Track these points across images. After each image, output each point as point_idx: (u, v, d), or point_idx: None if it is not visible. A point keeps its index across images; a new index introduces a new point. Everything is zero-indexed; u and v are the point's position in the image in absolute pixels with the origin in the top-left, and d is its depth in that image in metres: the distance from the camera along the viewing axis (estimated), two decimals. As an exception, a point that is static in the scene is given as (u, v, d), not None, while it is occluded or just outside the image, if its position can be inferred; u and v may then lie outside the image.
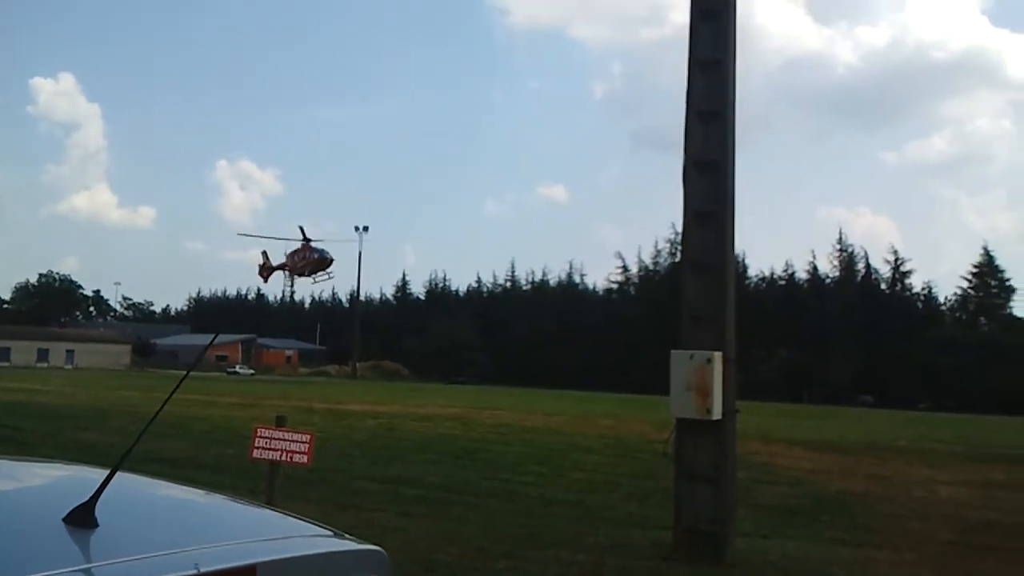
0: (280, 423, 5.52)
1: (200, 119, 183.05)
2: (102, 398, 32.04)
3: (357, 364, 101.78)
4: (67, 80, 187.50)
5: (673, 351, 8.51)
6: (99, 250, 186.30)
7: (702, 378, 8.26)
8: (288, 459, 5.44)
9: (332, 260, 67.19)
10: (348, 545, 2.25)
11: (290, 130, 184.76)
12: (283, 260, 73.29)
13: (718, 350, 8.40)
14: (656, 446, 12.26)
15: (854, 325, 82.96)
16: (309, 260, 66.63)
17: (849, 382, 78.23)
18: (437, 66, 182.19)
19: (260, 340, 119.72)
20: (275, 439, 5.45)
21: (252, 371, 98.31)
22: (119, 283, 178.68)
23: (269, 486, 5.50)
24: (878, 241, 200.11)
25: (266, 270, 75.29)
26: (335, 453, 17.27)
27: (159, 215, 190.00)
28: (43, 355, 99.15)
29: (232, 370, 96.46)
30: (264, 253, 74.73)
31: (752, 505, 12.63)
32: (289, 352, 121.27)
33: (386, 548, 7.74)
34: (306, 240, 69.76)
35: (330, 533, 2.27)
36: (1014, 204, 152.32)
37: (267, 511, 2.73)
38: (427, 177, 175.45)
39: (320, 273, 69.59)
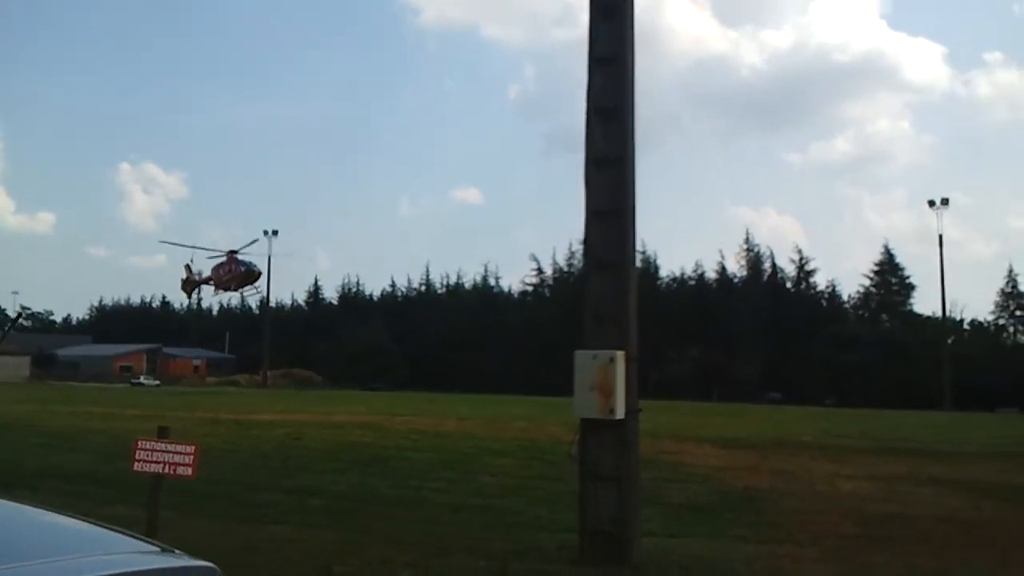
0: (163, 434, 5.23)
1: (101, 120, 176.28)
2: (-3, 413, 30.56)
3: (268, 372, 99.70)
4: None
5: (576, 351, 8.44)
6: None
7: (605, 378, 8.20)
8: (171, 471, 5.16)
9: (260, 273, 63.46)
10: (177, 561, 2.06)
11: (195, 132, 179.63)
12: (207, 274, 69.74)
13: (621, 349, 8.35)
14: (568, 448, 12.19)
15: (761, 323, 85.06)
16: (236, 274, 62.59)
17: (757, 379, 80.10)
18: (348, 65, 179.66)
19: (166, 349, 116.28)
20: (157, 451, 5.15)
21: (158, 382, 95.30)
22: (17, 292, 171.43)
23: (152, 500, 5.19)
24: (783, 241, 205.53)
25: (189, 284, 71.16)
26: (239, 465, 16.77)
27: (59, 220, 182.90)
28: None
29: (137, 381, 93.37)
30: (187, 266, 71.31)
31: (660, 504, 12.68)
32: (196, 361, 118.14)
33: (285, 560, 7.42)
34: (231, 252, 65.81)
35: (158, 549, 2.07)
36: (913, 203, 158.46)
37: (96, 528, 2.52)
38: (339, 180, 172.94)
39: (248, 287, 65.97)
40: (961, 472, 17.58)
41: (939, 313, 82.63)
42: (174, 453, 5.17)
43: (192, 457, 5.21)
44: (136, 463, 5.18)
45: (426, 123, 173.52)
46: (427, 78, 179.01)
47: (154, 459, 5.18)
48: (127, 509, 10.90)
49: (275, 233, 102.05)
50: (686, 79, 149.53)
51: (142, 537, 2.12)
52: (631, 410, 8.48)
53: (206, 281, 66.64)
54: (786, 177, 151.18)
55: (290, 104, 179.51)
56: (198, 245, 70.61)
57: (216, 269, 65.10)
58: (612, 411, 8.20)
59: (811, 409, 55.83)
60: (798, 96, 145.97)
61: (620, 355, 8.30)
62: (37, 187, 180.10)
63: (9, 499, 9.99)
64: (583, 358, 8.36)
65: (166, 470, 5.18)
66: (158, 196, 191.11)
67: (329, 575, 7.22)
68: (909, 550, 9.83)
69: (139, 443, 5.21)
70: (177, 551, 2.05)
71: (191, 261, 71.54)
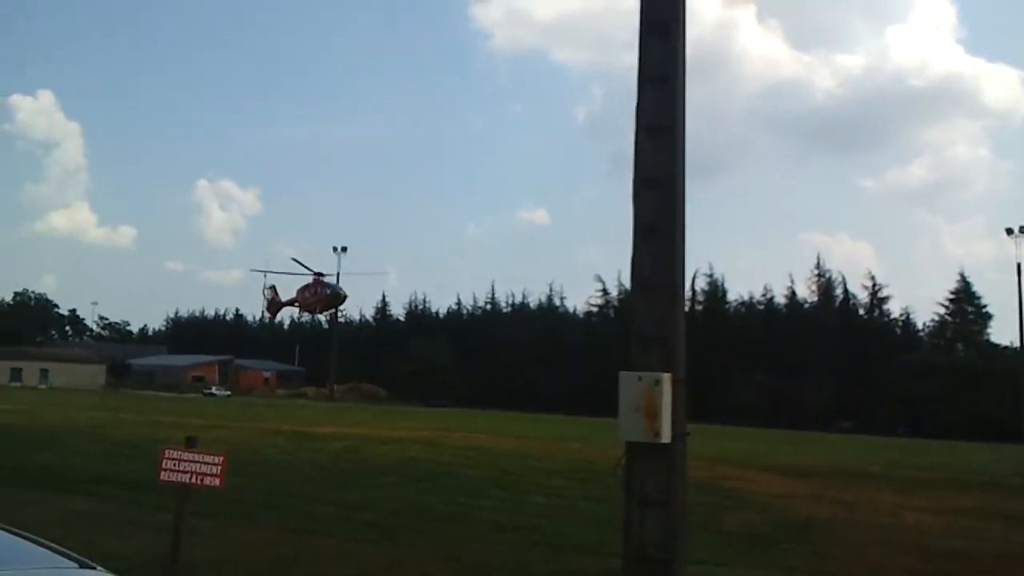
0: (191, 444, 5.24)
1: (181, 138, 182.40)
2: (68, 419, 31.48)
3: (335, 386, 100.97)
4: (46, 97, 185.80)
5: (621, 373, 8.25)
6: (77, 269, 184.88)
7: (650, 400, 8.00)
8: (199, 481, 5.16)
9: (345, 297, 62.74)
10: None
11: (272, 149, 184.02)
12: (292, 295, 69.10)
13: (668, 371, 8.16)
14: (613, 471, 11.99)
15: (832, 350, 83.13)
16: (321, 297, 62.04)
17: (827, 407, 78.22)
18: (420, 88, 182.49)
19: (238, 361, 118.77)
20: (184, 461, 5.16)
21: (229, 392, 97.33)
22: (96, 302, 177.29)
23: (177, 510, 5.21)
24: (856, 267, 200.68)
25: (275, 306, 71.12)
26: (294, 476, 16.98)
27: (139, 234, 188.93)
28: (16, 375, 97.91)
29: (209, 391, 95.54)
30: (273, 287, 71.59)
31: (713, 532, 12.38)
32: (267, 373, 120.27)
33: (324, 575, 7.37)
34: (317, 275, 65.31)
35: (75, 565, 2.00)
36: (991, 231, 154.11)
37: (18, 540, 2.46)
38: (409, 199, 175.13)
39: (334, 311, 65.47)
40: (1034, 508, 16.84)
41: (1017, 343, 79.76)
42: (201, 463, 5.18)
43: (220, 468, 5.21)
44: (163, 472, 5.19)
45: (495, 145, 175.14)
46: (497, 100, 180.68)
47: (181, 468, 5.18)
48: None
49: (344, 250, 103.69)
50: (758, 104, 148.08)
51: (65, 552, 2.06)
52: (678, 434, 8.26)
53: (291, 303, 66.37)
54: (860, 203, 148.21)
55: (363, 124, 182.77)
56: (286, 270, 70.37)
57: (302, 291, 64.76)
58: (657, 434, 7.98)
59: (882, 439, 54.27)
60: (873, 120, 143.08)
61: (667, 377, 8.09)
62: (119, 202, 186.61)
63: (64, 503, 10.16)
64: (628, 380, 8.18)
65: (193, 480, 5.18)
66: (234, 212, 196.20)
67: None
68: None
69: (166, 452, 5.22)
70: (99, 568, 1.99)
71: (264, 281, 71.86)
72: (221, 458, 5.26)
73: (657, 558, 8.03)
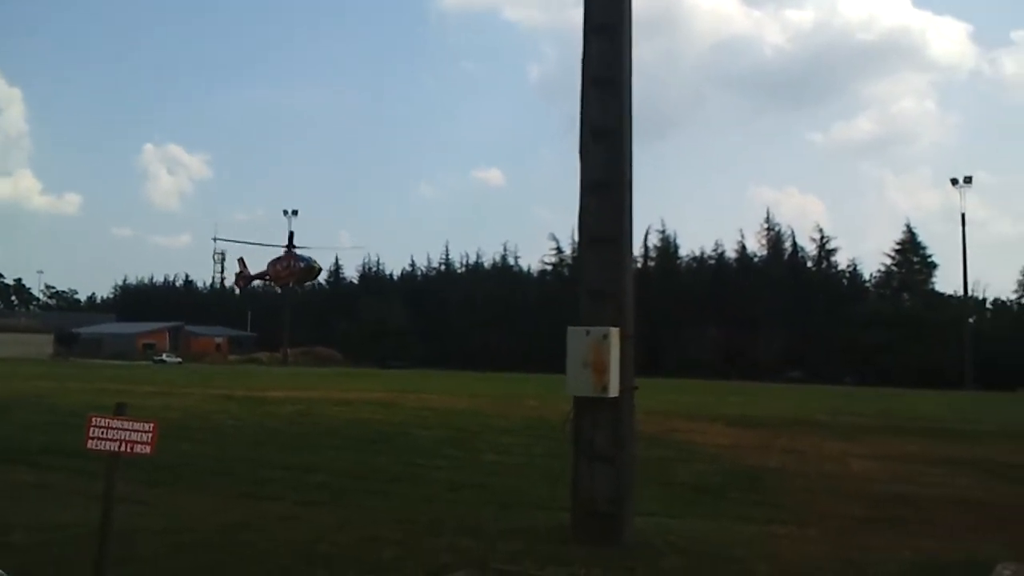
0: (120, 411, 5.06)
1: (126, 102, 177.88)
2: (13, 389, 30.73)
3: (288, 350, 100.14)
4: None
5: (569, 328, 8.23)
6: (22, 237, 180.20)
7: (598, 355, 7.99)
8: (128, 449, 4.99)
9: (320, 269, 59.67)
10: None
11: (218, 113, 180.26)
12: (263, 268, 65.97)
13: (616, 326, 8.14)
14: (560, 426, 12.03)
15: (781, 302, 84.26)
16: (295, 270, 59.30)
17: (777, 359, 79.54)
18: (368, 47, 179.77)
19: (188, 327, 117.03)
20: (112, 428, 4.98)
21: (180, 359, 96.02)
22: (42, 271, 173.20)
23: (107, 479, 5.05)
24: (805, 220, 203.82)
25: (243, 279, 68.68)
26: (245, 441, 16.81)
27: (84, 201, 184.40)
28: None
29: (159, 358, 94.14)
30: (241, 260, 69.16)
31: (664, 483, 12.51)
32: (218, 339, 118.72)
33: (273, 539, 7.24)
34: (290, 247, 62.14)
35: None
36: (937, 182, 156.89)
37: None
38: (361, 161, 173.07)
39: (307, 283, 62.32)
40: (976, 452, 17.28)
41: (961, 292, 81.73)
42: (131, 431, 5.00)
43: (151, 435, 5.03)
44: (90, 441, 5.00)
45: (447, 105, 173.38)
46: (448, 59, 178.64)
47: (109, 436, 5.01)
48: (124, 485, 10.84)
49: (295, 213, 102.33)
50: (709, 60, 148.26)
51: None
52: (626, 388, 8.27)
53: (261, 276, 63.72)
54: (809, 157, 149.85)
55: (311, 86, 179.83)
56: (256, 242, 68.05)
57: (273, 263, 62.10)
58: (605, 389, 7.99)
59: (829, 388, 55.39)
60: (821, 75, 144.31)
61: (615, 332, 8.08)
62: (63, 169, 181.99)
63: (8, 474, 9.91)
64: (576, 335, 8.16)
65: (122, 448, 5.00)
66: (182, 177, 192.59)
67: (311, 554, 7.09)
68: (915, 532, 9.62)
69: (92, 419, 5.03)
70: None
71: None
72: (151, 424, 5.09)
73: (606, 511, 8.07)
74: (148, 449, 5.04)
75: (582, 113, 8.53)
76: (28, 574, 6.33)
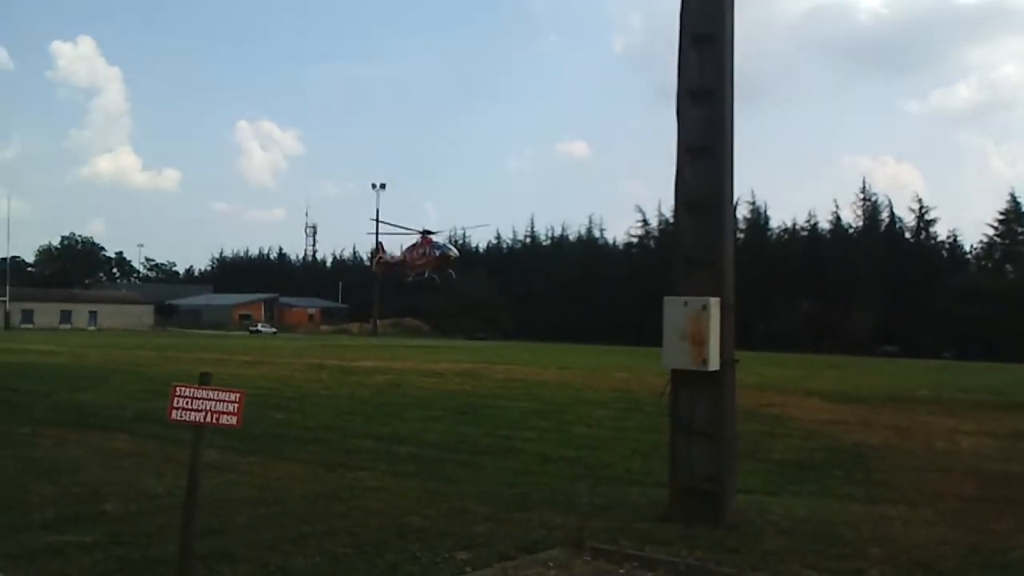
0: (204, 381, 4.93)
1: (220, 80, 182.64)
2: (112, 358, 31.85)
3: (378, 322, 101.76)
4: (86, 43, 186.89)
5: (666, 298, 7.87)
6: (123, 212, 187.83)
7: (697, 326, 7.61)
8: (214, 420, 4.85)
9: (456, 257, 57.30)
10: None
11: (309, 89, 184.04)
12: (400, 254, 64.67)
13: (715, 296, 7.74)
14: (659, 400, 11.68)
15: (877, 275, 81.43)
16: (430, 258, 56.91)
17: (872, 332, 77.02)
18: (456, 23, 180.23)
19: (282, 299, 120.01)
20: (198, 399, 4.86)
21: (275, 329, 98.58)
22: (142, 244, 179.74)
23: (194, 451, 4.94)
24: (902, 190, 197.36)
25: (381, 265, 67.29)
26: (335, 411, 16.91)
27: (183, 177, 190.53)
28: (66, 317, 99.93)
29: (255, 329, 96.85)
30: (380, 244, 68.92)
31: (762, 460, 12.07)
32: (311, 310, 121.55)
33: (362, 510, 7.07)
34: (425, 233, 60.19)
35: None
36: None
37: None
38: (447, 134, 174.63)
39: (444, 272, 59.56)
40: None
41: (1067, 263, 77.65)
42: (217, 400, 4.87)
43: (237, 405, 4.89)
44: (173, 411, 4.88)
45: (533, 77, 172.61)
46: (534, 32, 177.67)
47: (194, 407, 4.88)
48: (216, 453, 10.98)
49: (383, 187, 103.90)
50: (801, 25, 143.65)
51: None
52: (727, 361, 7.88)
53: (400, 262, 61.93)
54: (906, 125, 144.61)
55: (400, 61, 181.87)
56: (400, 228, 66.88)
57: (410, 251, 60.43)
58: (705, 362, 7.62)
59: (928, 362, 53.38)
60: (918, 41, 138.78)
61: (714, 302, 7.69)
62: (162, 145, 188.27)
63: (105, 441, 10.06)
64: (673, 305, 7.79)
65: (208, 419, 4.87)
66: (275, 152, 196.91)
67: (403, 526, 6.95)
68: (1035, 515, 8.99)
69: (176, 390, 4.91)
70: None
71: (379, 242, 66.89)
72: (239, 395, 4.95)
73: (706, 489, 7.72)
74: (235, 420, 4.90)
75: (680, 71, 8.09)
76: (119, 543, 6.35)
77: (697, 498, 7.69)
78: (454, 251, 56.47)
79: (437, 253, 58.07)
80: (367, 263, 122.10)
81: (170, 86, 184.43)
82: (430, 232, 58.60)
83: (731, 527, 7.38)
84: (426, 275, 56.70)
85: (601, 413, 17.10)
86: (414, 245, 60.75)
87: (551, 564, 6.22)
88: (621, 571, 6.16)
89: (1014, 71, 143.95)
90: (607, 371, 29.13)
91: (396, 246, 71.51)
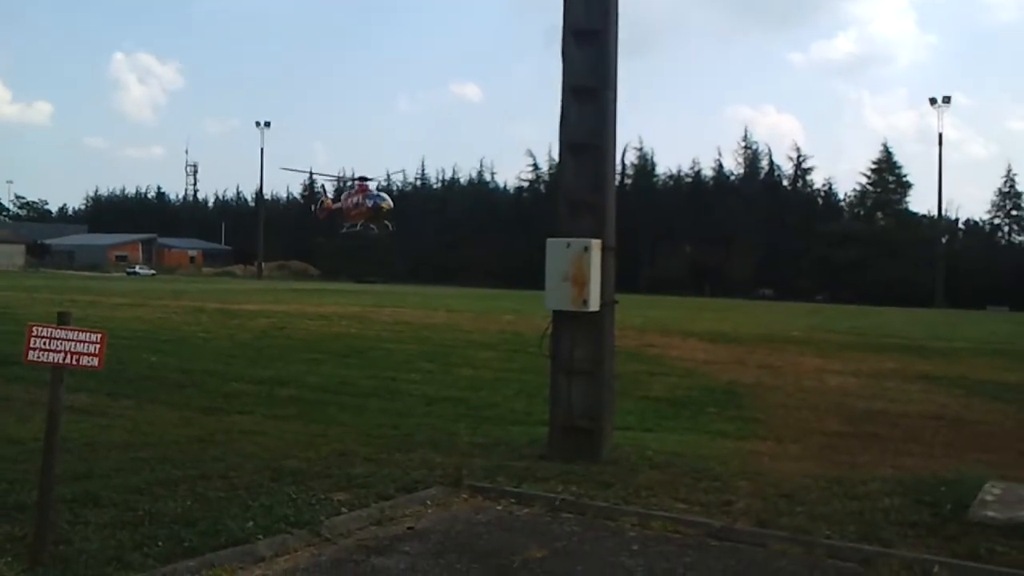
0: (63, 321, 4.67)
1: (94, 8, 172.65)
2: (-22, 301, 30.17)
3: (264, 264, 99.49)
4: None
5: (548, 239, 7.90)
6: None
7: (579, 268, 7.68)
8: (74, 362, 4.62)
9: (390, 207, 51.39)
10: None
11: (190, 21, 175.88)
12: (339, 202, 59.97)
13: (597, 238, 7.81)
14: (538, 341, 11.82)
15: (756, 221, 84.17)
16: (362, 208, 51.08)
17: (750, 276, 79.85)
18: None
19: (161, 240, 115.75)
20: (56, 339, 4.61)
21: (153, 271, 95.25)
22: (11, 181, 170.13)
23: (53, 393, 4.70)
24: (782, 139, 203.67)
25: (324, 211, 61.96)
26: (214, 354, 16.50)
27: (55, 110, 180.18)
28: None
29: (132, 270, 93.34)
30: (323, 187, 65.40)
31: (640, 398, 12.42)
32: (192, 252, 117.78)
33: (237, 453, 6.88)
34: (361, 180, 54.26)
35: None
36: (914, 103, 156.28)
37: None
38: (337, 73, 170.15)
39: (381, 223, 53.78)
40: (951, 369, 17.31)
41: (935, 212, 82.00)
42: (76, 341, 4.63)
43: (99, 346, 4.67)
44: (30, 352, 4.61)
45: (425, 17, 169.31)
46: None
47: (53, 348, 4.63)
48: (86, 397, 10.59)
49: (267, 125, 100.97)
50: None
51: None
52: (607, 302, 7.99)
53: (338, 211, 57.27)
54: (786, 76, 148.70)
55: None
56: (324, 173, 62.65)
57: (346, 198, 55.89)
58: (586, 303, 7.71)
59: (802, 305, 55.75)
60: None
61: (596, 244, 7.76)
62: (33, 76, 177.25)
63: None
64: (556, 246, 7.83)
65: (67, 360, 4.63)
66: (154, 87, 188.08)
67: (279, 470, 6.84)
68: (897, 448, 9.53)
69: (33, 329, 4.64)
70: None
71: (322, 186, 62.63)
72: (100, 335, 4.71)
73: (585, 427, 7.87)
74: (96, 362, 4.68)
75: (565, 13, 8.03)
76: (-21, 491, 6.05)
77: (576, 435, 7.83)
78: (388, 201, 50.94)
79: (370, 203, 53.10)
80: (251, 204, 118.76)
81: (42, 14, 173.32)
82: (366, 179, 54.08)
83: (607, 463, 7.56)
84: (358, 227, 51.29)
85: (487, 355, 17.23)
86: (350, 193, 56.79)
87: (429, 503, 6.25)
88: (498, 508, 6.24)
89: (889, 24, 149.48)
90: (496, 314, 29.32)
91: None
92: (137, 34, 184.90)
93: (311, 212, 70.07)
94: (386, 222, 51.83)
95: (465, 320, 26.31)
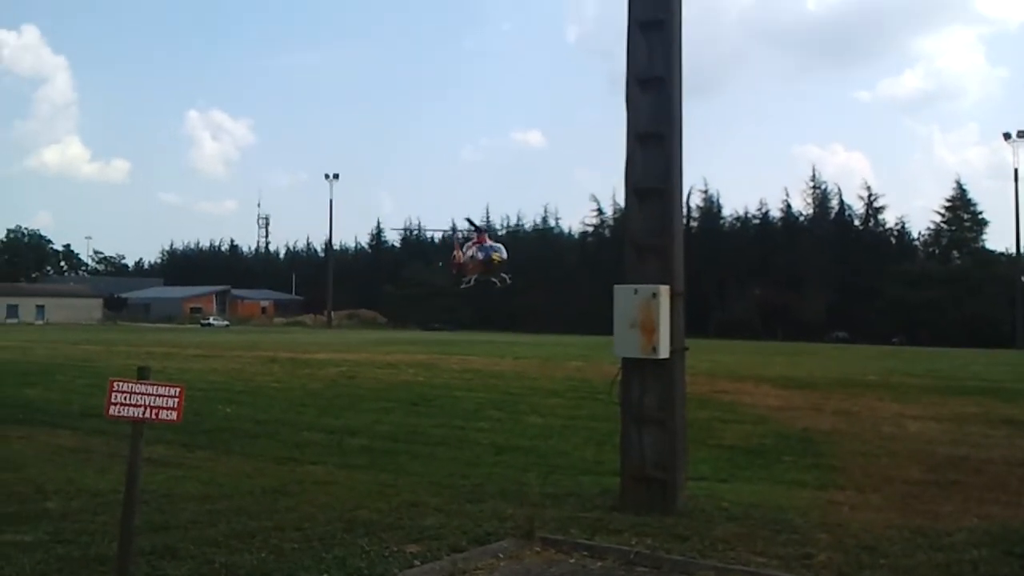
0: (143, 375, 4.79)
1: (169, 68, 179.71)
2: (60, 353, 31.19)
3: (333, 313, 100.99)
4: (31, 32, 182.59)
5: (616, 286, 7.86)
6: (71, 204, 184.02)
7: (647, 314, 7.61)
8: (154, 416, 4.71)
9: (502, 261, 48.90)
10: None
11: (260, 78, 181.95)
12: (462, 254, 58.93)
13: (665, 283, 7.74)
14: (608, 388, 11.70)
15: (827, 262, 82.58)
16: (476, 262, 48.26)
17: (823, 319, 78.09)
18: (408, 10, 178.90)
19: (235, 291, 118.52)
20: (136, 394, 4.71)
21: (227, 322, 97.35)
22: (90, 237, 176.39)
23: (134, 448, 4.79)
24: (851, 178, 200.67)
25: (455, 266, 61.28)
26: (286, 404, 16.72)
27: (132, 167, 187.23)
28: (12, 311, 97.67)
29: (206, 322, 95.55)
30: (456, 241, 66.04)
31: (713, 446, 12.18)
32: (264, 303, 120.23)
33: (311, 504, 6.91)
34: (478, 231, 51.87)
35: None
36: (985, 138, 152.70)
37: None
38: (402, 125, 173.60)
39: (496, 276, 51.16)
40: (1037, 413, 16.58)
41: (1013, 250, 79.40)
42: (156, 396, 4.72)
43: (178, 400, 4.76)
44: (111, 407, 4.72)
45: (487, 66, 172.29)
46: (487, 21, 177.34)
47: (133, 403, 4.73)
48: (163, 448, 10.80)
49: (336, 177, 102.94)
50: (751, 15, 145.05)
51: None
52: (677, 349, 7.88)
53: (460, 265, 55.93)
54: (854, 114, 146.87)
55: (352, 51, 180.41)
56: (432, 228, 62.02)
57: (465, 251, 54.92)
58: (655, 350, 7.62)
59: (877, 348, 54.30)
60: (866, 31, 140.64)
61: (664, 290, 7.69)
62: (111, 136, 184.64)
63: (50, 438, 9.81)
64: (623, 293, 7.78)
65: (147, 415, 4.73)
66: (226, 142, 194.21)
67: (351, 521, 6.85)
68: (982, 497, 9.15)
69: (114, 384, 4.75)
70: None
71: (457, 237, 62.73)
72: (178, 389, 4.81)
73: (657, 477, 7.73)
74: (174, 415, 4.77)
75: (628, 59, 8.06)
76: (60, 541, 6.18)
77: (648, 486, 7.70)
78: (500, 252, 46.98)
79: (481, 256, 49.75)
80: (320, 254, 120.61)
81: (118, 76, 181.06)
82: (481, 230, 51.60)
83: (682, 514, 7.40)
84: (472, 281, 47.98)
85: (555, 402, 17.11)
86: (468, 245, 54.55)
87: (501, 555, 6.18)
88: (571, 561, 6.14)
89: (958, 60, 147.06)
90: (562, 360, 29.17)
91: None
92: (210, 92, 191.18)
93: (440, 267, 68.95)
94: (503, 275, 47.92)
95: (532, 367, 26.22)
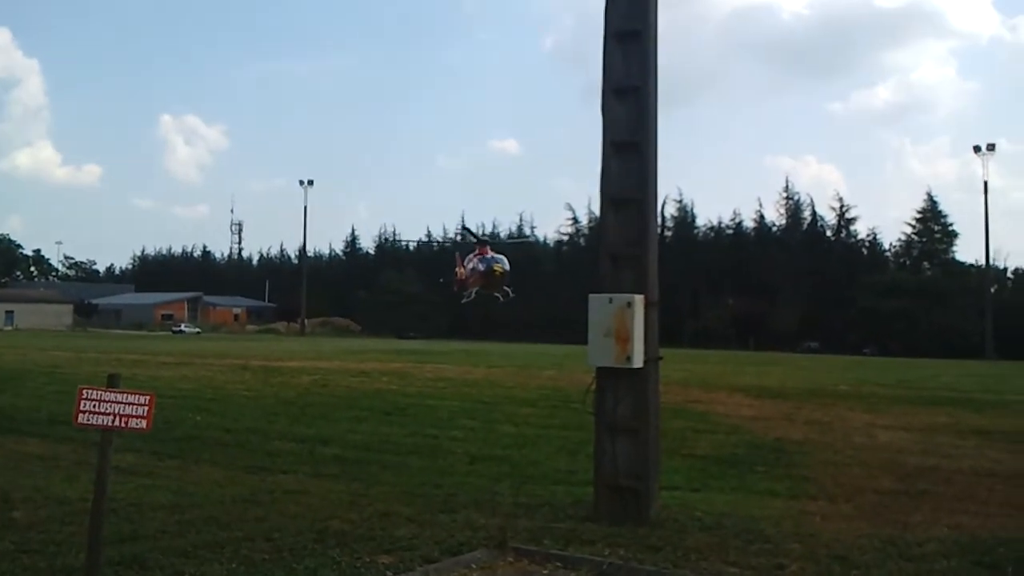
0: (113, 383, 4.72)
1: (143, 73, 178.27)
2: (30, 359, 30.71)
3: (306, 320, 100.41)
4: (3, 35, 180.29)
5: (591, 295, 7.86)
6: (42, 208, 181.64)
7: (622, 323, 7.62)
8: (123, 424, 4.65)
9: (503, 272, 46.09)
10: None
11: (235, 84, 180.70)
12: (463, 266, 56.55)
13: (640, 293, 7.76)
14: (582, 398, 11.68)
15: (800, 272, 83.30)
16: (476, 274, 45.59)
17: (795, 329, 78.73)
18: (384, 18, 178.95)
19: (207, 298, 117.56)
20: (105, 401, 4.65)
21: (198, 329, 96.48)
22: (61, 242, 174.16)
23: (102, 456, 4.72)
24: (824, 189, 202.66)
25: (457, 282, 58.94)
26: (258, 412, 16.56)
27: (104, 172, 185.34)
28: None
29: (178, 329, 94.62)
30: (457, 256, 63.92)
31: (686, 456, 12.20)
32: (237, 310, 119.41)
33: (281, 514, 6.86)
34: (481, 242, 49.14)
35: None
36: (956, 151, 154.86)
37: None
38: (377, 132, 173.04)
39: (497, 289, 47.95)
40: (1005, 423, 16.77)
41: (982, 261, 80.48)
42: (126, 404, 4.66)
43: (148, 408, 4.70)
44: (80, 415, 4.66)
45: (464, 75, 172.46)
46: (464, 30, 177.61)
47: (102, 411, 4.67)
48: (132, 457, 10.65)
49: (311, 183, 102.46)
50: (727, 28, 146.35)
51: None
52: (651, 358, 7.90)
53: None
54: (827, 126, 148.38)
55: (328, 56, 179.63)
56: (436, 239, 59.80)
57: (465, 263, 52.91)
58: (629, 359, 7.63)
59: (849, 358, 54.77)
60: (840, 44, 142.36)
61: (638, 299, 7.70)
62: (83, 140, 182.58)
63: (17, 445, 9.67)
64: (598, 302, 7.79)
65: (116, 422, 4.67)
66: (200, 147, 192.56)
67: (322, 531, 6.79)
68: (951, 507, 9.22)
69: (83, 392, 4.69)
70: None
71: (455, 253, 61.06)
72: (148, 398, 4.75)
73: (630, 486, 7.73)
74: (144, 424, 4.71)
75: (604, 71, 8.09)
76: (27, 551, 6.07)
77: (621, 495, 7.69)
78: (502, 263, 44.02)
79: (482, 267, 47.29)
80: (294, 261, 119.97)
81: (90, 79, 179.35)
82: (484, 241, 49.19)
83: (655, 524, 7.40)
84: (472, 295, 45.44)
85: (528, 411, 17.08)
86: (469, 256, 52.42)
87: (474, 566, 6.15)
88: (544, 572, 6.12)
89: (930, 74, 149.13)
90: (536, 369, 29.14)
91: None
92: (184, 97, 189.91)
93: (440, 284, 67.32)
94: (506, 288, 44.64)
95: (506, 376, 26.17)
